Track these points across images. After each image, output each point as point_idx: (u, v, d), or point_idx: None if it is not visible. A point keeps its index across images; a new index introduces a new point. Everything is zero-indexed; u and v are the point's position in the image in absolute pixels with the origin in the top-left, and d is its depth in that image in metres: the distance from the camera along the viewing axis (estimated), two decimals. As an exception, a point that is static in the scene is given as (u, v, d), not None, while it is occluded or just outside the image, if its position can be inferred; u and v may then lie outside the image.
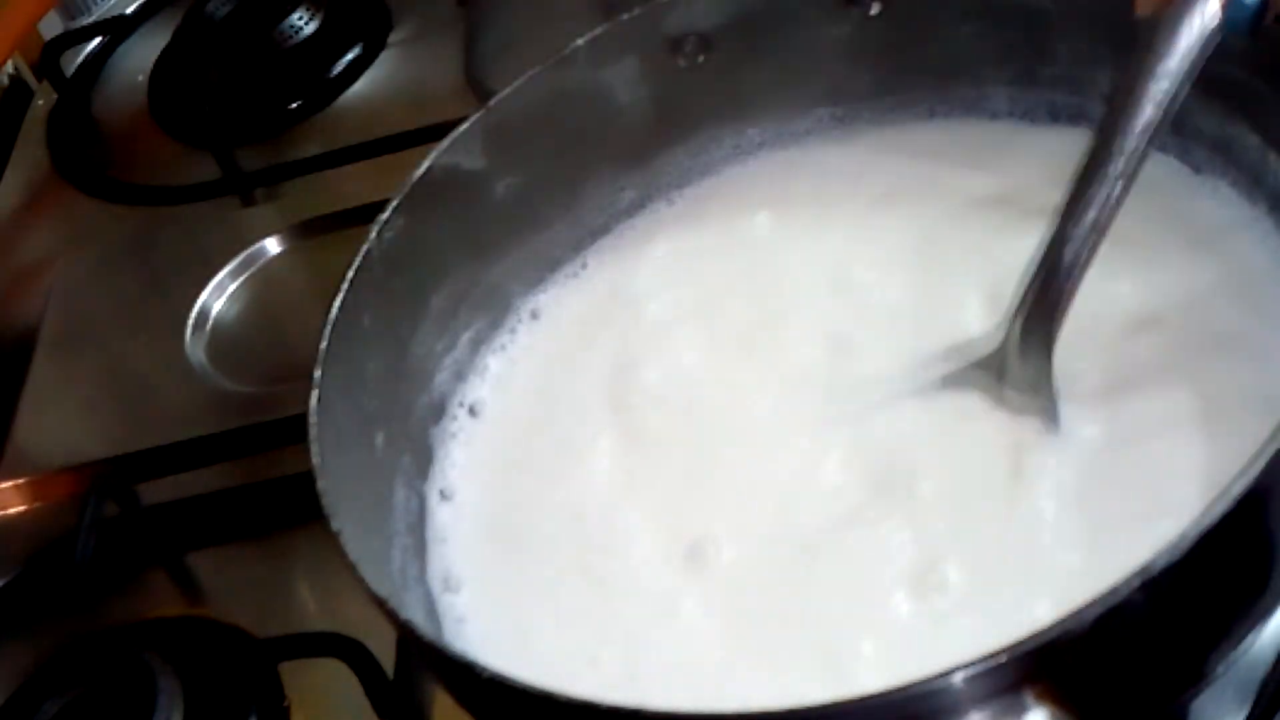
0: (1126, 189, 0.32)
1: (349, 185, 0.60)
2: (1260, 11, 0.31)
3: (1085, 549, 0.32)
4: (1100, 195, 0.33)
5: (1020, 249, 0.36)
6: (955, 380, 0.36)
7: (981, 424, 0.35)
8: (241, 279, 0.58)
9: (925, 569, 0.33)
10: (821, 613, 0.33)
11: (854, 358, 0.39)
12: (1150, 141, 0.32)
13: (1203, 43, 0.31)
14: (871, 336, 0.39)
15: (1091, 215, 0.33)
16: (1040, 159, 0.41)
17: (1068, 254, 0.33)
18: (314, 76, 0.67)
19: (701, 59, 0.42)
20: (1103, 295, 0.37)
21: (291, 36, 0.66)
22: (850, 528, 0.35)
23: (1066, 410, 0.35)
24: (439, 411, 0.41)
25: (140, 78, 0.73)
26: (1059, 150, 0.41)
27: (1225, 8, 0.31)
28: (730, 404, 0.39)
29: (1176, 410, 0.34)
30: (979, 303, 0.38)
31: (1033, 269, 0.34)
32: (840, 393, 0.38)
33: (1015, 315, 0.35)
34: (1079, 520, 0.33)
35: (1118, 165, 0.32)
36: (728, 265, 0.43)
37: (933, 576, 0.33)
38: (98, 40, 0.76)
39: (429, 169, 0.39)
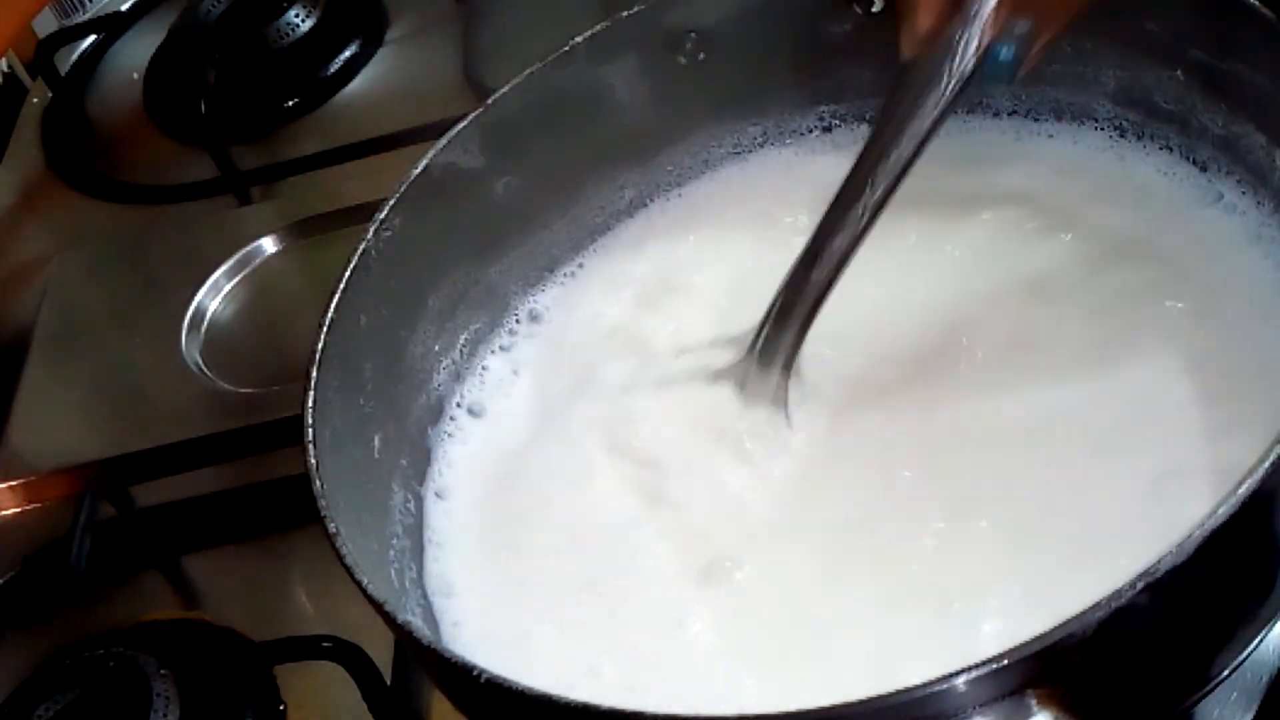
0: (873, 219, 0.34)
1: (346, 184, 0.59)
2: (1017, 62, 0.33)
3: None
4: (849, 220, 0.34)
5: (1022, 252, 0.36)
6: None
7: None
8: (237, 278, 0.57)
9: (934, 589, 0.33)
10: (829, 629, 0.33)
11: (853, 360, 0.38)
12: (902, 174, 0.34)
13: (956, 88, 0.33)
14: (874, 338, 0.39)
15: (838, 242, 0.35)
16: (1043, 158, 0.41)
17: (814, 275, 0.35)
18: (310, 74, 0.67)
19: (701, 56, 0.42)
20: (1109, 285, 0.37)
21: (288, 34, 0.66)
22: (864, 548, 0.34)
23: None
24: (437, 413, 0.41)
25: (135, 75, 0.72)
26: (1061, 149, 0.41)
27: (981, 60, 0.33)
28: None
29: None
30: (985, 308, 0.38)
31: (780, 287, 0.36)
32: (840, 395, 0.37)
33: (759, 330, 0.36)
34: None
35: (869, 196, 0.34)
36: (726, 267, 0.43)
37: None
38: (92, 38, 0.76)
39: (426, 168, 0.39)
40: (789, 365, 0.36)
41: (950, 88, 0.33)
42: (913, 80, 0.34)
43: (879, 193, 0.34)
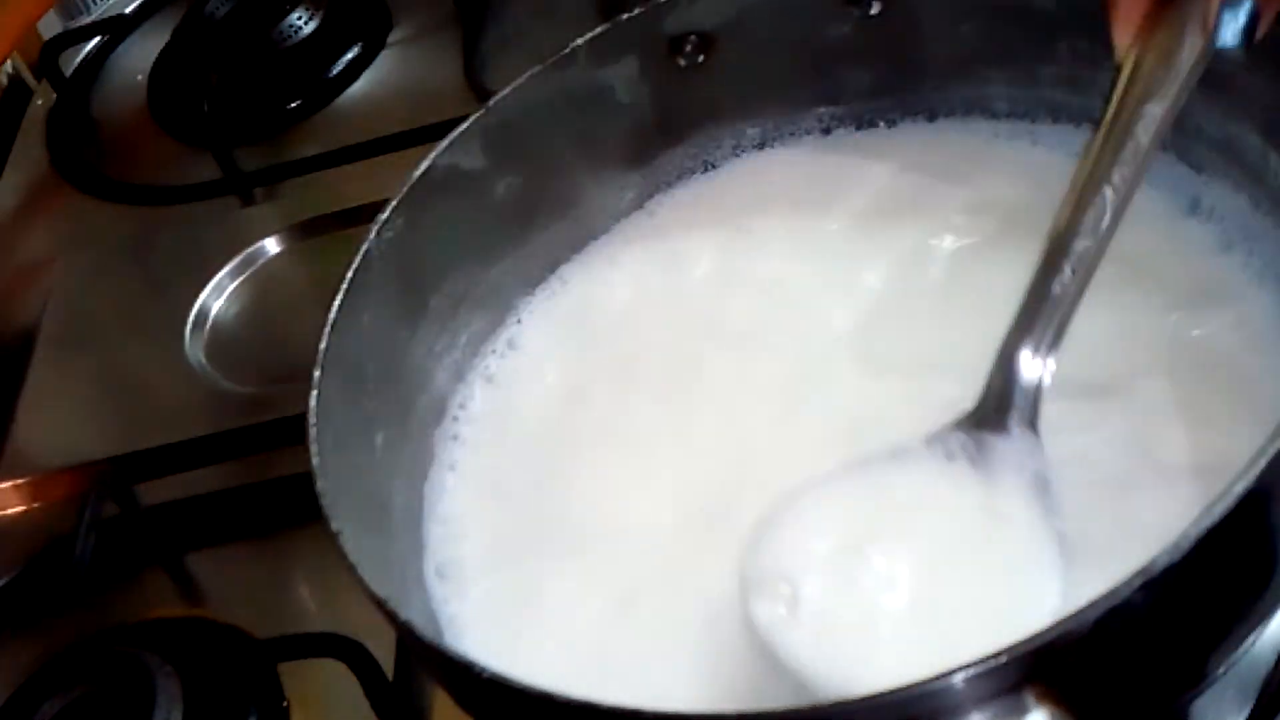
0: (1117, 219, 0.31)
1: (348, 185, 0.60)
2: (1252, 23, 0.30)
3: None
4: (1090, 222, 0.30)
5: (1018, 260, 0.36)
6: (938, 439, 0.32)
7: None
8: (241, 279, 0.57)
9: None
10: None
11: (857, 374, 0.38)
12: (1142, 170, 0.31)
13: (1194, 66, 0.30)
14: (871, 349, 0.39)
15: (1082, 244, 0.30)
16: (1044, 158, 0.41)
17: (1055, 287, 0.31)
18: (313, 76, 0.67)
19: (701, 58, 0.42)
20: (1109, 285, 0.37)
21: (291, 36, 0.66)
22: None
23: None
24: (439, 412, 0.41)
25: (139, 77, 0.73)
26: (1061, 148, 0.41)
27: (1215, 28, 0.30)
28: (734, 423, 0.38)
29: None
30: (976, 319, 0.38)
31: (1018, 308, 0.31)
32: (840, 410, 0.37)
33: (999, 359, 0.31)
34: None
35: (1112, 197, 0.30)
36: (725, 267, 0.43)
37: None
38: (97, 40, 0.76)
39: (429, 169, 0.39)
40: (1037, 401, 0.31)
41: (1188, 68, 0.30)
42: (1140, 67, 0.30)
43: (1122, 193, 0.30)
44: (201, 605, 0.48)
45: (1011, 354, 0.31)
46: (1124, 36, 0.31)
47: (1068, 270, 0.31)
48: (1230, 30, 0.30)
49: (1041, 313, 0.31)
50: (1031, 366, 0.31)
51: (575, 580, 0.37)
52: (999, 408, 0.31)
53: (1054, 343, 0.31)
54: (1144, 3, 0.31)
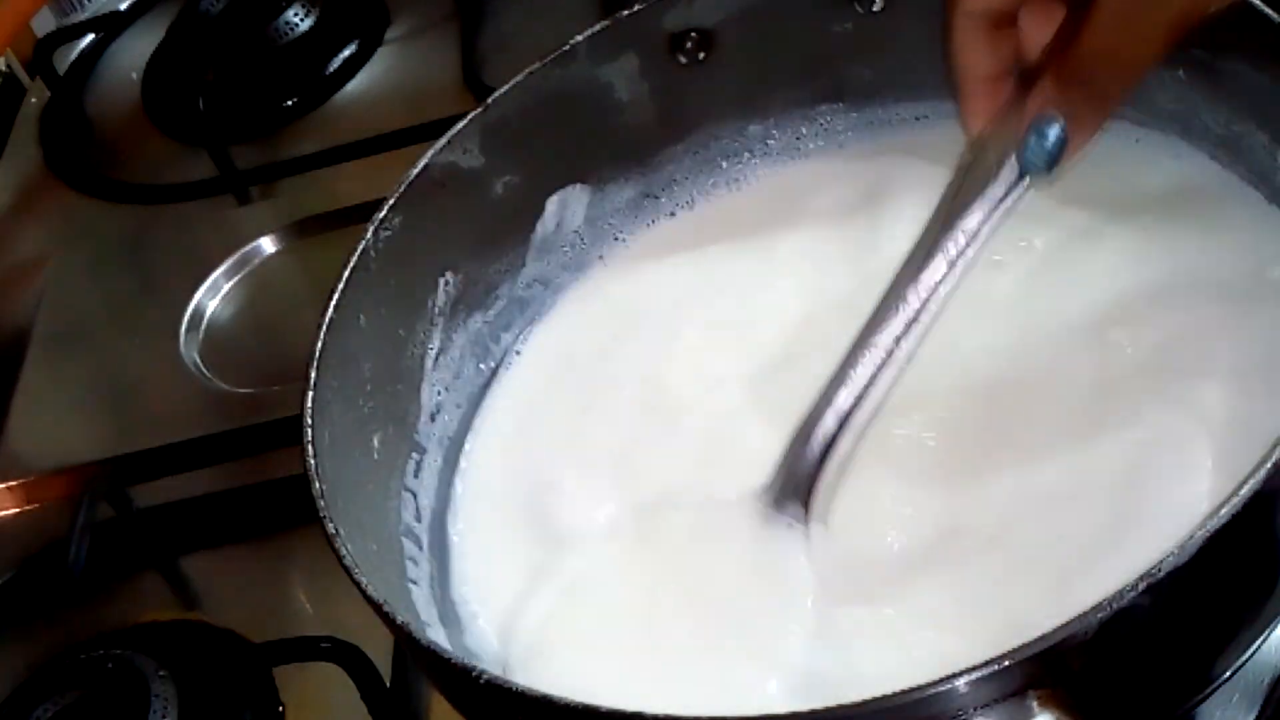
0: (907, 353, 0.31)
1: (345, 184, 0.59)
2: (1059, 149, 0.30)
3: None
4: (874, 356, 0.31)
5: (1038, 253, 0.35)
6: None
7: None
8: (236, 278, 0.57)
9: None
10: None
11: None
12: (936, 300, 0.31)
13: (1007, 190, 0.31)
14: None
15: (882, 339, 0.31)
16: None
17: (828, 419, 0.31)
18: (310, 74, 0.66)
19: (702, 56, 0.42)
20: (1106, 284, 0.37)
21: (287, 33, 0.66)
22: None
23: None
24: (435, 413, 0.41)
25: (134, 75, 0.72)
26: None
27: (1021, 150, 0.30)
28: (739, 426, 0.38)
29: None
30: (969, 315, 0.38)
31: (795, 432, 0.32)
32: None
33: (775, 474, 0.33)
34: None
35: (897, 326, 0.31)
36: (726, 266, 0.43)
37: None
38: (91, 37, 0.76)
39: (426, 167, 0.39)
40: (807, 501, 0.32)
41: (1001, 195, 0.31)
42: (971, 176, 0.31)
43: (908, 324, 0.31)
44: (196, 608, 0.48)
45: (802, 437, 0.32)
46: (973, 127, 0.32)
47: (860, 371, 0.31)
48: (1037, 154, 0.30)
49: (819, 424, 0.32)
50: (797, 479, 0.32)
51: (575, 579, 0.36)
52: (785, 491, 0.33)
53: (825, 457, 0.32)
54: (993, 99, 0.32)
